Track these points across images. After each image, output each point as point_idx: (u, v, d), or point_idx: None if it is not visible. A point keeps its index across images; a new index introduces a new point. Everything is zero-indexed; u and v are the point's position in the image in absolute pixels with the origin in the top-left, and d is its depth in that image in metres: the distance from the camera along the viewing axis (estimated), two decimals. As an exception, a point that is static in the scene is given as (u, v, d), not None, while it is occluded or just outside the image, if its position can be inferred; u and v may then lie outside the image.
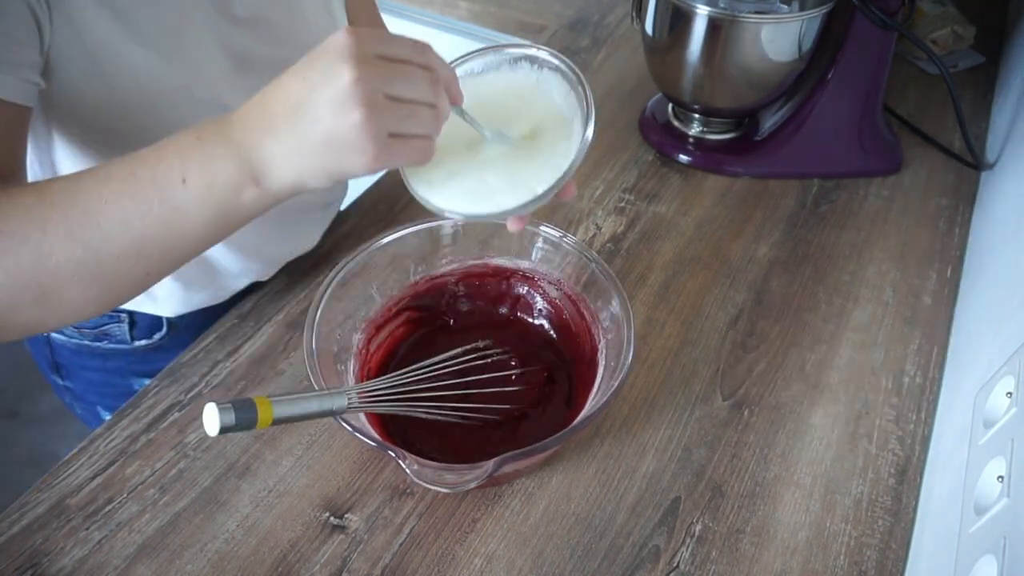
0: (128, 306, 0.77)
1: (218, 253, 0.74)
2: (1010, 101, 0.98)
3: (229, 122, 0.50)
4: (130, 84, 0.59)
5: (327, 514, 0.61)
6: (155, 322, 0.80)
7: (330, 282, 0.63)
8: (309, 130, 0.47)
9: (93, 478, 0.63)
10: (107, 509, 0.61)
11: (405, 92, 0.47)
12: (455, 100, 0.52)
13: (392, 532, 0.60)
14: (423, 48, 0.49)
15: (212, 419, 0.46)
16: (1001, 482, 0.49)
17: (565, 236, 0.67)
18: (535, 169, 0.55)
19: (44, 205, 0.50)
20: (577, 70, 0.56)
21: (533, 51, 0.57)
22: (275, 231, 0.76)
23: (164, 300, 0.77)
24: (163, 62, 0.59)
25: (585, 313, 0.68)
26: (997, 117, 1.01)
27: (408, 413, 0.59)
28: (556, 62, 0.56)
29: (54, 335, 0.81)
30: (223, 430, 0.46)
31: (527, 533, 0.60)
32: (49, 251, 0.50)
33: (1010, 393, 0.55)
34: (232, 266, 0.76)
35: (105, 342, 0.80)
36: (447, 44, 1.45)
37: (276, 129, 0.48)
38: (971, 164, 0.94)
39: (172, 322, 0.80)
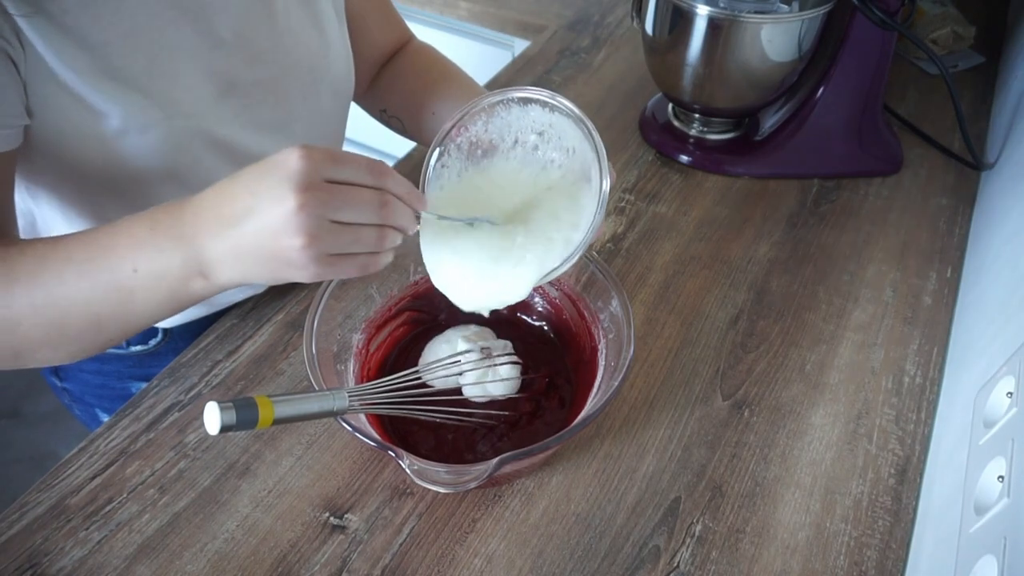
0: None
1: None
2: (1010, 101, 0.97)
3: (182, 215, 0.51)
4: (107, 119, 0.58)
5: (327, 514, 0.61)
6: (151, 329, 0.80)
7: (330, 282, 0.63)
8: (253, 244, 0.48)
9: (93, 478, 0.63)
10: (107, 509, 0.61)
11: (350, 217, 0.48)
12: (419, 208, 0.53)
13: (392, 532, 0.60)
14: (379, 169, 0.50)
15: (213, 418, 0.46)
16: (1001, 482, 0.49)
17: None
18: (542, 248, 0.57)
19: (10, 281, 0.54)
20: (588, 120, 0.56)
21: (544, 96, 0.57)
22: None
23: None
24: (141, 95, 0.59)
25: (585, 313, 0.68)
26: (997, 117, 1.01)
27: (408, 415, 0.59)
28: (566, 108, 0.56)
29: None
30: (224, 429, 0.46)
31: (527, 533, 0.60)
32: (17, 321, 0.54)
33: (1010, 393, 0.55)
34: None
35: None
36: (447, 44, 1.45)
37: (223, 235, 0.49)
38: (971, 164, 0.94)
39: (168, 329, 0.80)
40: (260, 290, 0.78)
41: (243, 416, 0.47)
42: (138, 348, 0.81)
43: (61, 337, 0.56)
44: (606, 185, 0.54)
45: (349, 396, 0.53)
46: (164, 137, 0.61)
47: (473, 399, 0.65)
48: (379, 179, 0.49)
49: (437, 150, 0.59)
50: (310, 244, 0.47)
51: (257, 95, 0.67)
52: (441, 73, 0.81)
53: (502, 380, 0.64)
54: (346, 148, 0.90)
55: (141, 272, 0.52)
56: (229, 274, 0.51)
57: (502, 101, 0.58)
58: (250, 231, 0.48)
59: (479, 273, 0.58)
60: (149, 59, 0.59)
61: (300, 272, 0.49)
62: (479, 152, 0.60)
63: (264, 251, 0.48)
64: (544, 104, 0.57)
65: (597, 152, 0.55)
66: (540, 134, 0.59)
